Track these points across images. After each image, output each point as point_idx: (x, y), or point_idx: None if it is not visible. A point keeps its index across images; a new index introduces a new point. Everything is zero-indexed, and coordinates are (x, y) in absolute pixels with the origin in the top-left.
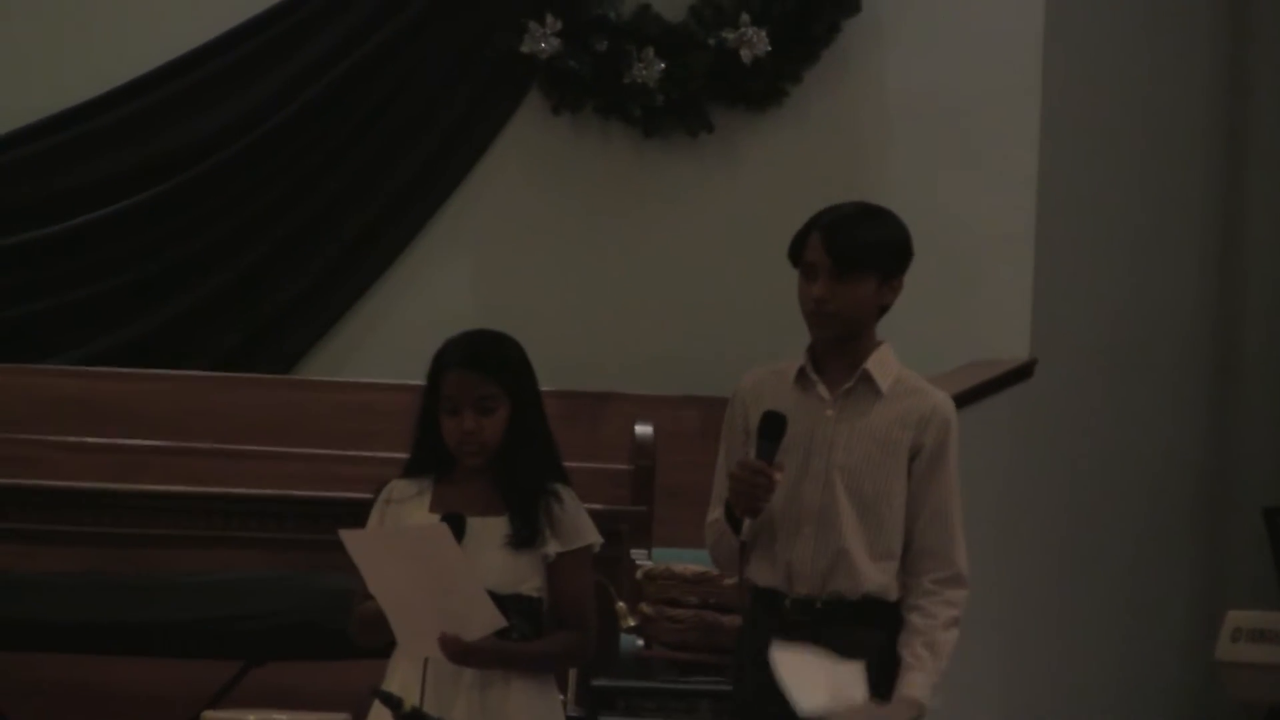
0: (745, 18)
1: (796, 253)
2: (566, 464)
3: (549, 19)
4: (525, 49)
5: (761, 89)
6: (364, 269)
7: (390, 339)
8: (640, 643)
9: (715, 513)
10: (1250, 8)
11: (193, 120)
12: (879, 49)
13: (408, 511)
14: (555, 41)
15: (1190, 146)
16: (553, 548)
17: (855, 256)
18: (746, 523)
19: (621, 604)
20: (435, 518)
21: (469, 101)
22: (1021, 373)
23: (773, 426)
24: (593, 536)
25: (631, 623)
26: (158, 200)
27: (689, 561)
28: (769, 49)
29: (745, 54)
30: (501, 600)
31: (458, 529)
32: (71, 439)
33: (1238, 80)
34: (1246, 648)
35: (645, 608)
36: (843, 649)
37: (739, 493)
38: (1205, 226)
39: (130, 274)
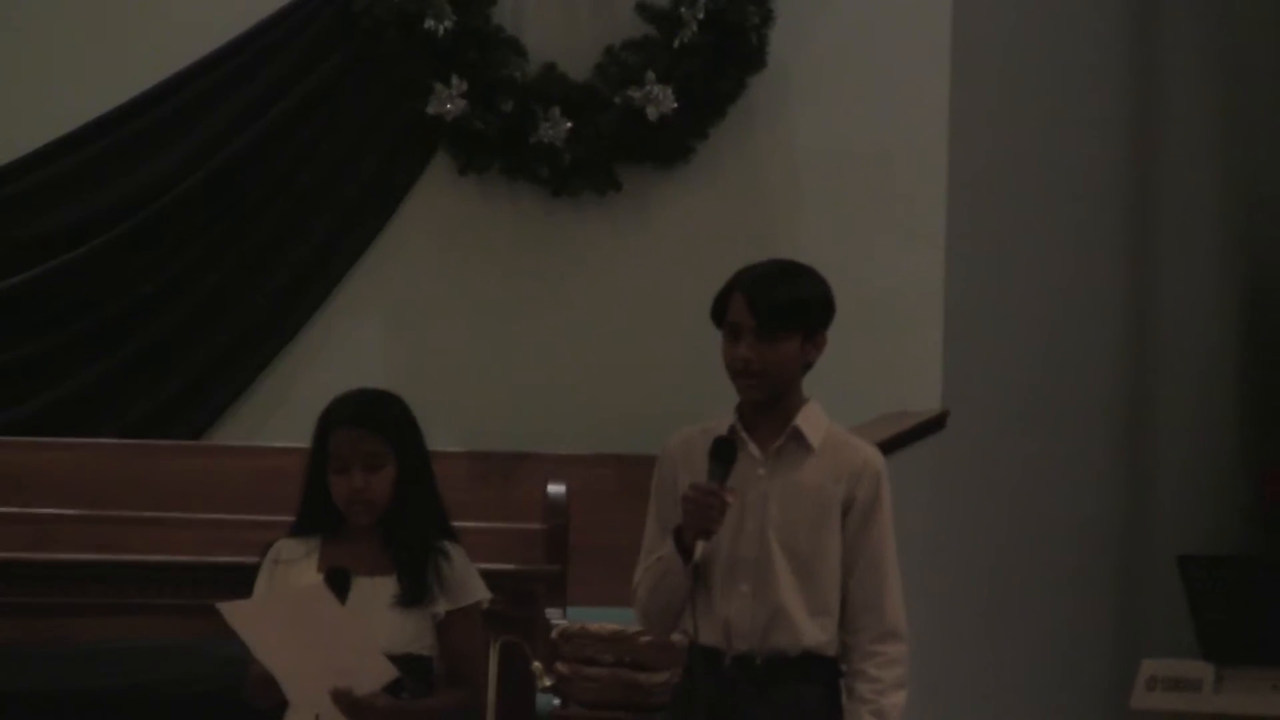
0: (651, 75)
1: (719, 313)
2: (480, 524)
3: (455, 80)
4: (431, 110)
5: (669, 147)
6: (276, 333)
7: (303, 403)
8: (557, 702)
9: (642, 567)
10: (1159, 60)
11: (99, 189)
12: (786, 105)
13: (296, 572)
14: (461, 102)
15: (1104, 199)
16: (442, 605)
17: (779, 316)
18: (699, 546)
19: (537, 663)
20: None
21: (377, 163)
22: (935, 424)
23: (724, 451)
24: (481, 593)
25: (548, 682)
26: (65, 268)
27: (605, 620)
28: (675, 106)
29: (652, 112)
30: (393, 660)
31: (343, 584)
32: None
33: (1149, 132)
34: (1162, 696)
35: (561, 667)
36: (785, 705)
37: (692, 514)
38: (1118, 278)
39: (40, 342)
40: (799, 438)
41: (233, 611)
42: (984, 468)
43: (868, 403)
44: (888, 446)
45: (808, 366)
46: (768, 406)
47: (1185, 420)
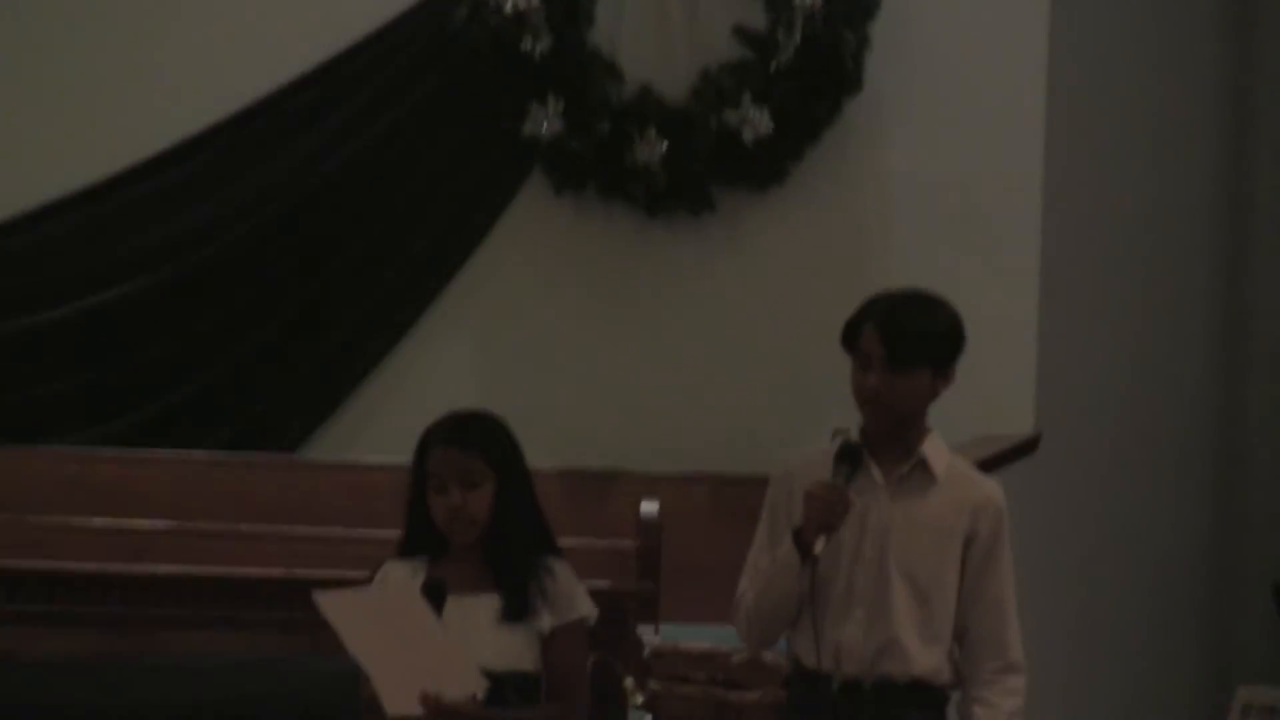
0: (747, 98)
1: (850, 340)
2: (573, 542)
3: (551, 101)
4: (527, 131)
5: (764, 168)
6: (370, 350)
7: (394, 421)
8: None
9: (748, 579)
10: (1256, 83)
11: (196, 206)
12: (881, 128)
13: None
14: (557, 123)
15: (1194, 226)
16: (547, 621)
17: (912, 351)
18: (819, 542)
19: (629, 681)
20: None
21: (472, 184)
22: (1027, 447)
23: (851, 453)
24: (587, 609)
25: (640, 700)
26: (163, 284)
27: (697, 638)
28: (771, 128)
29: (747, 134)
30: (498, 677)
31: (439, 596)
32: (76, 521)
33: (1246, 156)
34: None
35: (653, 685)
36: None
37: (815, 510)
38: (1212, 302)
39: (136, 357)
40: (924, 467)
41: (327, 602)
42: (1074, 491)
43: (961, 424)
44: (979, 469)
45: (935, 397)
46: (891, 435)
47: (1278, 445)
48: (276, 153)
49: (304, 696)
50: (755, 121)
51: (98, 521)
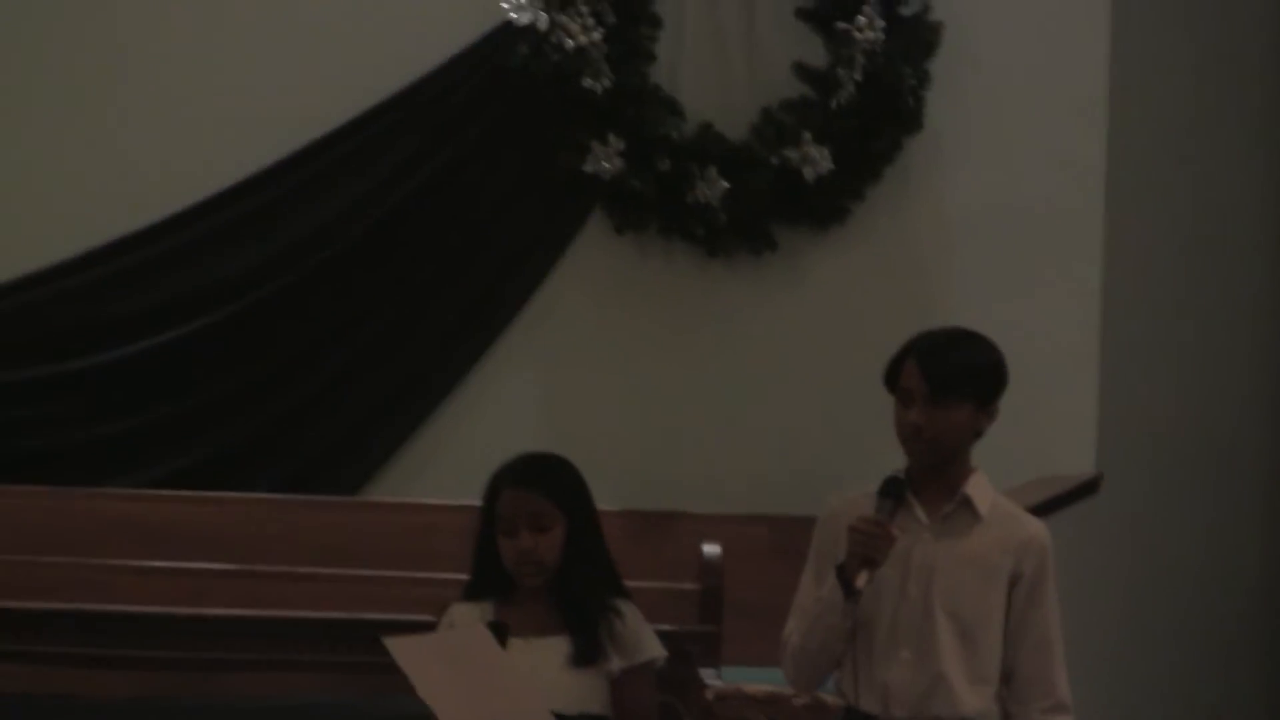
0: (807, 136)
1: (892, 379)
2: (634, 583)
3: (611, 139)
4: (588, 169)
5: (824, 207)
6: (432, 388)
7: (456, 460)
8: None
9: (794, 620)
10: None
11: (256, 244)
12: (941, 166)
13: None
14: (618, 161)
15: (1264, 256)
16: (616, 664)
17: (952, 384)
18: (862, 578)
19: None
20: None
21: (533, 222)
22: (1088, 488)
23: (894, 488)
24: (656, 650)
25: None
26: (223, 322)
27: (759, 681)
28: (831, 167)
29: (808, 172)
30: None
31: (501, 638)
32: (134, 563)
33: None
34: None
35: None
36: None
37: (859, 544)
38: (1272, 333)
39: (196, 396)
40: (968, 505)
41: (398, 647)
42: (1136, 530)
43: (1021, 465)
44: (1038, 510)
45: (978, 435)
46: (935, 473)
47: None
48: (336, 191)
49: None
50: (816, 160)
51: (157, 563)
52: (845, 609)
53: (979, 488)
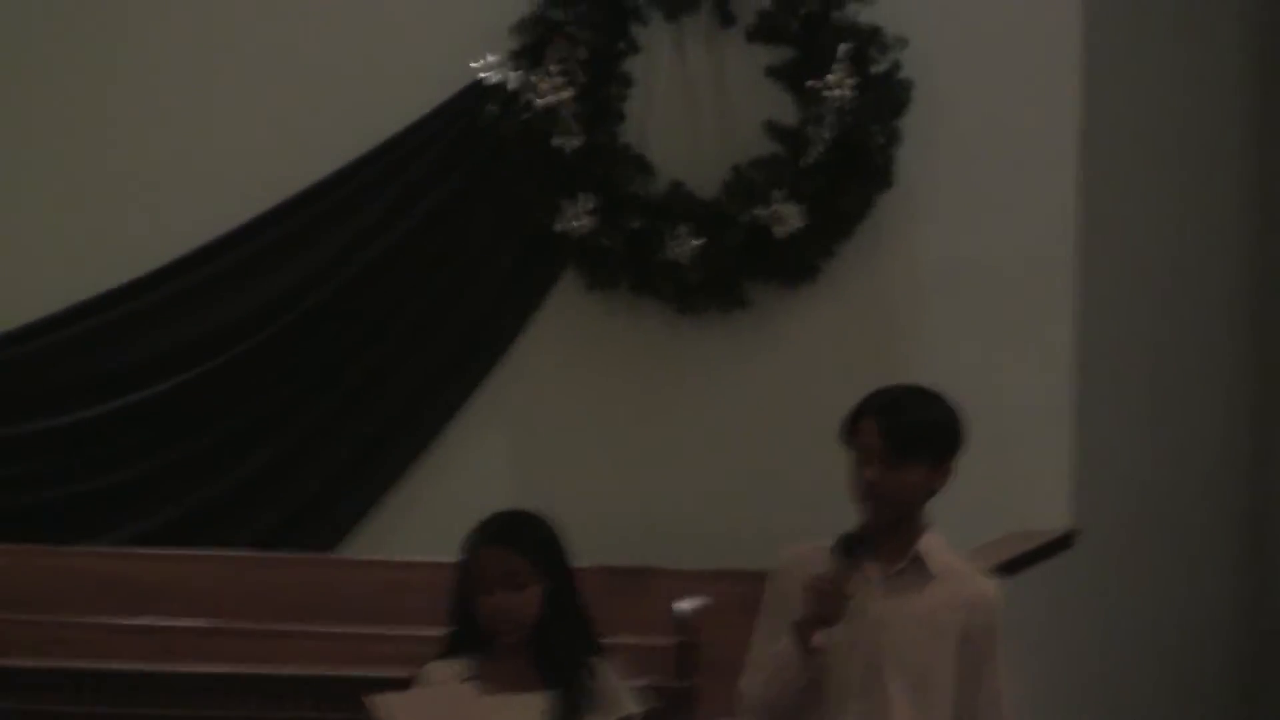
0: (778, 194)
1: (848, 435)
2: (608, 640)
3: (581, 197)
4: (559, 227)
5: (795, 265)
6: (404, 446)
7: (429, 517)
8: None
9: (748, 677)
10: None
11: (228, 302)
12: (913, 222)
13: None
14: (589, 219)
15: (1231, 310)
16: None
17: (908, 443)
18: (818, 635)
19: None
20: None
21: (503, 279)
22: (1061, 544)
23: (851, 545)
24: (632, 706)
25: None
26: (198, 381)
27: None
28: (802, 225)
29: (778, 230)
30: None
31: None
32: (110, 620)
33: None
34: None
35: None
36: None
37: (814, 603)
38: (1252, 391)
39: (170, 454)
40: (919, 564)
41: (382, 704)
42: (1113, 582)
43: (993, 520)
44: (1012, 566)
45: (931, 493)
46: (888, 530)
47: None
48: (311, 249)
49: None
50: (787, 217)
51: (128, 620)
52: (803, 665)
53: (931, 546)
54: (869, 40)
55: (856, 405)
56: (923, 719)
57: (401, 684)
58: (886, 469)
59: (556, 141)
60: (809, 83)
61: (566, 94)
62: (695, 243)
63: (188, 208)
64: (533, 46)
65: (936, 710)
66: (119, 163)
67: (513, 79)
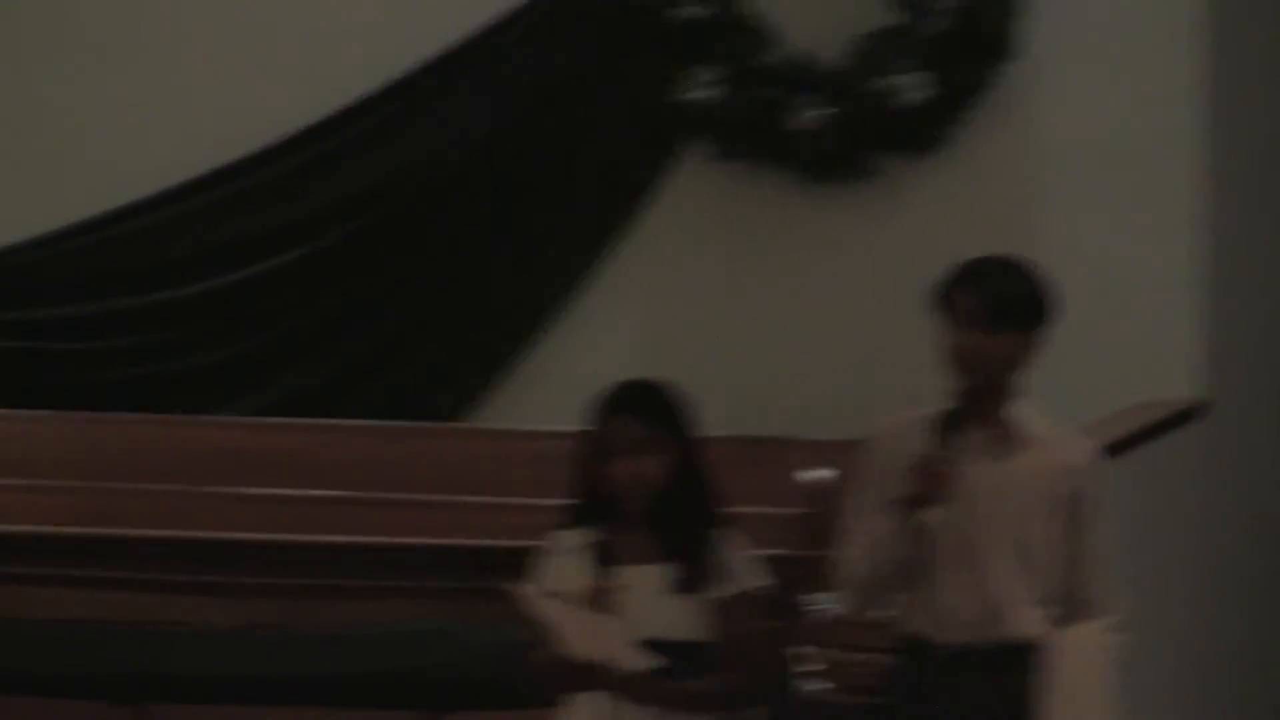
0: (905, 63)
1: (945, 302)
2: (739, 510)
3: (708, 67)
4: (685, 97)
5: (923, 134)
6: (531, 317)
7: (556, 389)
8: (826, 687)
9: (849, 545)
10: None
11: (355, 171)
12: (1040, 93)
13: (571, 563)
14: (714, 90)
15: None
16: (718, 591)
17: (1007, 311)
18: (924, 512)
19: (808, 649)
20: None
21: (630, 151)
22: (1187, 414)
23: (953, 424)
24: (759, 579)
25: (815, 668)
26: (323, 252)
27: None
28: (929, 94)
29: (906, 99)
30: (670, 647)
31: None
32: (240, 490)
33: None
34: None
35: (831, 653)
36: (988, 693)
37: (919, 484)
38: None
39: (294, 326)
40: (1014, 433)
41: (525, 595)
42: (1241, 461)
43: (1119, 393)
44: (1135, 437)
45: (1025, 364)
46: (984, 399)
47: None
48: (431, 120)
49: (473, 665)
50: (914, 87)
51: (261, 490)
52: (902, 542)
53: (1025, 414)
54: None
55: (951, 273)
56: (1023, 589)
57: (530, 553)
58: (981, 336)
59: (682, 12)
60: None
61: None
62: (821, 113)
63: (296, 88)
64: None
65: (1038, 579)
66: (203, 51)
67: None
